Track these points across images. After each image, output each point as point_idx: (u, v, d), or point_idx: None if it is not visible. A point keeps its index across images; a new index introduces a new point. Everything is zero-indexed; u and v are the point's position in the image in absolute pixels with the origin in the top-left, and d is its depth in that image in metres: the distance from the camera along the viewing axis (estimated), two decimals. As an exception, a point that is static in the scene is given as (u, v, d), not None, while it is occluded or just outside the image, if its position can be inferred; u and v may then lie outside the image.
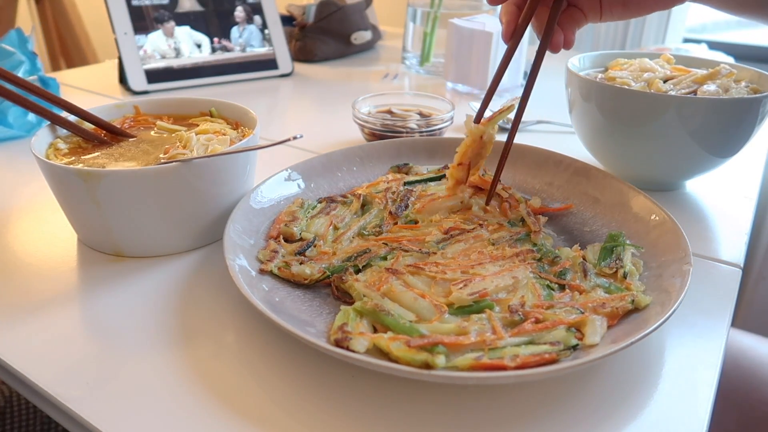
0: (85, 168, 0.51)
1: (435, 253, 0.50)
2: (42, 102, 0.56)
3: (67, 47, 1.86)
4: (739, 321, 1.41)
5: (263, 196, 0.56)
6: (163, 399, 0.39)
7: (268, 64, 1.11)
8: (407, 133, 0.75)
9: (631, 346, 0.38)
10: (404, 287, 0.45)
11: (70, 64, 1.86)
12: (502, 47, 0.89)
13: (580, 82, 0.65)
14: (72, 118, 0.58)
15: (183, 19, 1.05)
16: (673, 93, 0.63)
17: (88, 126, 0.59)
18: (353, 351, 0.38)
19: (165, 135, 0.61)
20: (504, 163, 0.56)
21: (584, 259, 0.50)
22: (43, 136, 0.56)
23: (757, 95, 0.60)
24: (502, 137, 0.57)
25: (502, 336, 0.40)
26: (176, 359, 0.42)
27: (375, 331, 0.42)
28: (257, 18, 1.11)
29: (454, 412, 0.38)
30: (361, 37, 1.27)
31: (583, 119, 0.67)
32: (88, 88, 1.05)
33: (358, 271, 0.48)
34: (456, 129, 0.84)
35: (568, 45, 0.54)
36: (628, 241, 0.51)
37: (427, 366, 0.37)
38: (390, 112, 0.81)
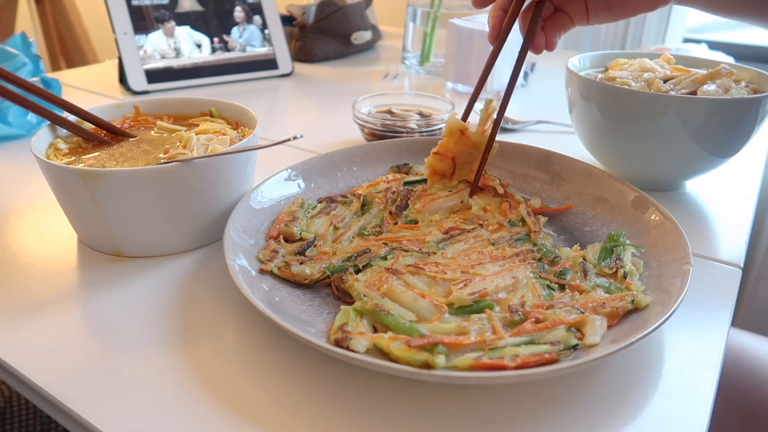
0: (85, 168, 0.51)
1: (435, 253, 0.50)
2: (42, 102, 0.56)
3: (67, 47, 1.86)
4: (739, 321, 1.41)
5: (263, 196, 0.56)
6: (163, 399, 0.39)
7: (268, 64, 1.11)
8: (407, 133, 0.75)
9: (631, 346, 0.38)
10: (404, 287, 0.45)
11: (70, 64, 1.86)
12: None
13: (580, 82, 0.65)
14: (72, 118, 0.58)
15: (183, 19, 1.05)
16: (673, 93, 0.63)
17: (88, 126, 0.59)
18: (353, 351, 0.38)
19: (165, 135, 0.61)
20: (487, 155, 0.57)
21: (584, 259, 0.50)
22: (43, 136, 0.56)
23: (757, 95, 0.60)
24: (502, 137, 0.57)
25: (502, 336, 0.40)
26: (176, 359, 0.42)
27: (375, 331, 0.42)
28: (257, 18, 1.11)
29: (454, 412, 0.38)
30: (361, 37, 1.27)
31: (583, 119, 0.67)
32: (88, 88, 1.05)
33: (358, 271, 0.48)
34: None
35: (549, 47, 0.57)
36: (628, 241, 0.51)
37: (427, 366, 0.37)
38: (390, 112, 0.81)
